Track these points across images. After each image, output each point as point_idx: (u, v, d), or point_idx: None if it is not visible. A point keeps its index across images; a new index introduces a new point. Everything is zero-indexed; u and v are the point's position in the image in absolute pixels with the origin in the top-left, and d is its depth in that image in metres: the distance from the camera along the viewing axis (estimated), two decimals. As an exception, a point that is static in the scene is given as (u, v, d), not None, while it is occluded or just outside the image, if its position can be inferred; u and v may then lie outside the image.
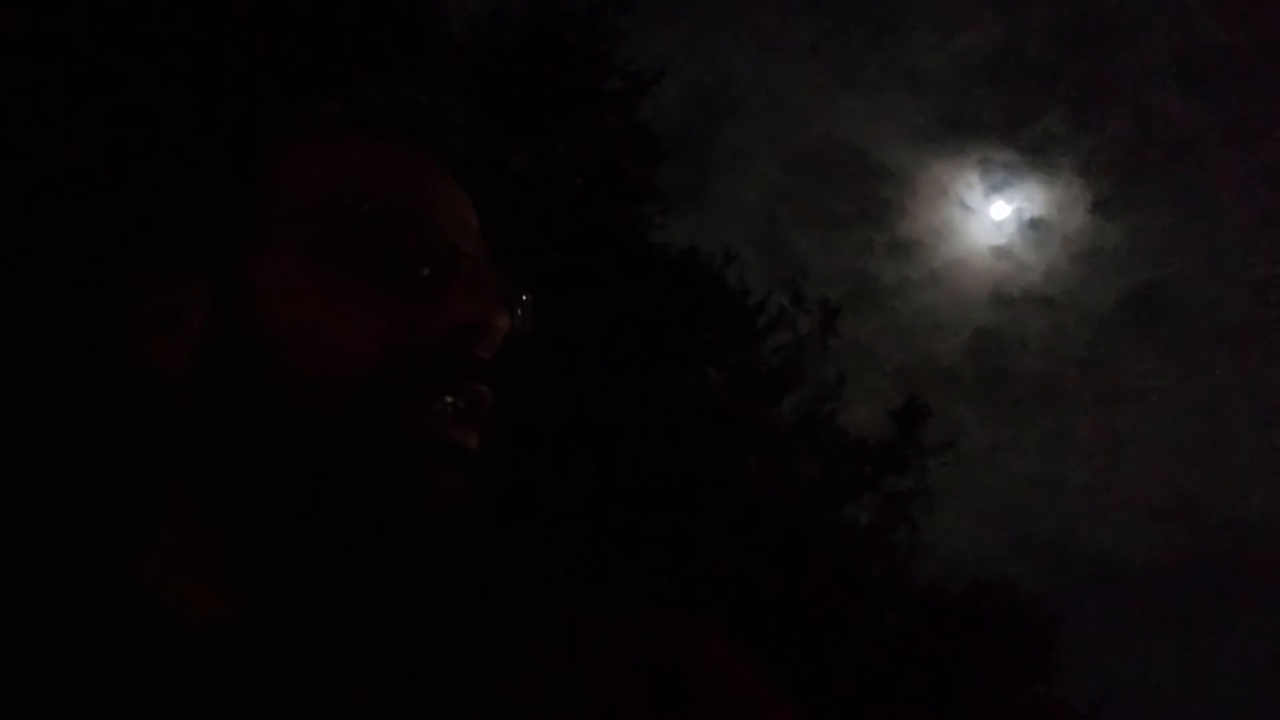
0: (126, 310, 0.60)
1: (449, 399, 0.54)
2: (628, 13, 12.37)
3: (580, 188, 12.31)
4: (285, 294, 0.55)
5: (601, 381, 11.10)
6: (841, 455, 15.20)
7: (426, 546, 0.54)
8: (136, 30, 5.70)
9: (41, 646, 0.53)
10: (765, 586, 12.21)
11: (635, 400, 11.42)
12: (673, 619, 0.61)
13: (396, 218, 0.57)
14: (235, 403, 0.55)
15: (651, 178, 12.63)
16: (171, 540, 0.57)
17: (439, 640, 0.57)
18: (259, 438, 0.54)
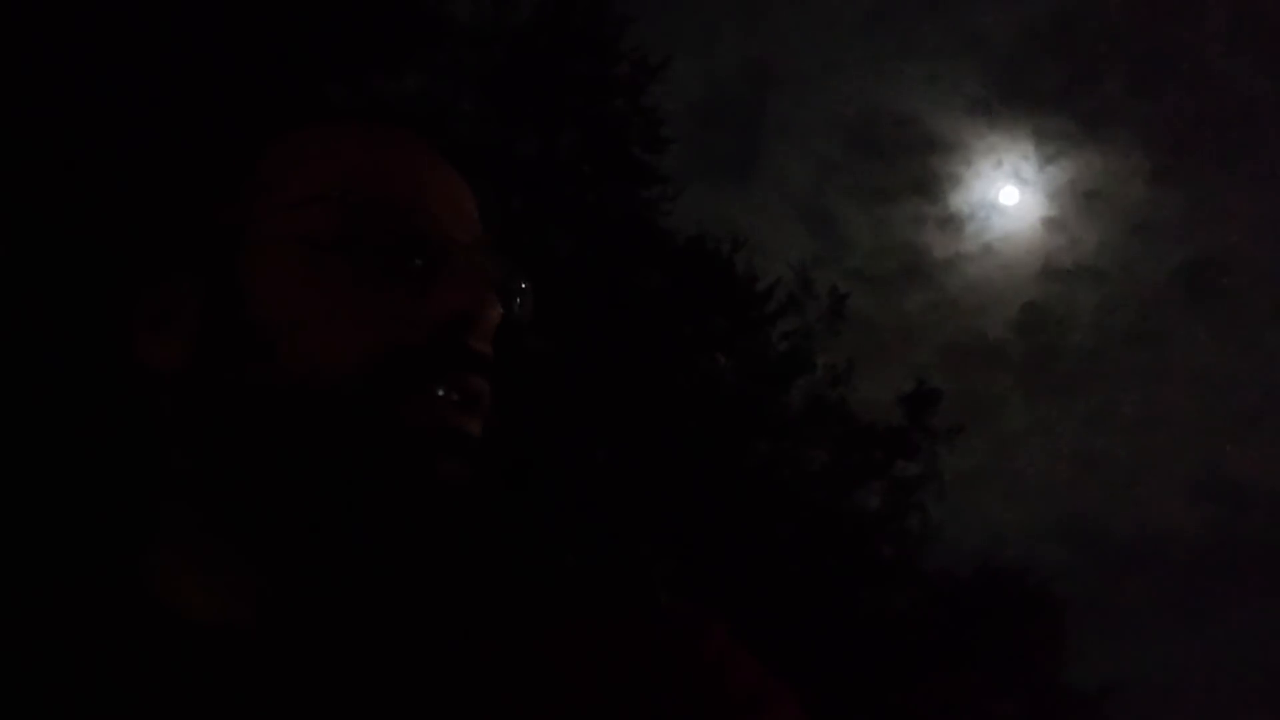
0: (124, 310, 0.59)
1: (443, 392, 0.53)
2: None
3: (588, 174, 12.28)
4: (276, 288, 0.55)
5: (610, 367, 11.10)
6: (851, 440, 15.19)
7: (430, 537, 0.53)
8: (137, 20, 5.69)
9: (45, 646, 0.53)
10: (775, 571, 12.23)
11: (644, 386, 11.42)
12: (676, 610, 0.60)
13: (385, 208, 0.56)
14: (230, 399, 0.55)
15: (659, 163, 12.60)
16: (174, 539, 0.57)
17: (444, 636, 0.57)
18: (255, 434, 0.54)
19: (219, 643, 0.53)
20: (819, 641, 12.26)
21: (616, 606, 0.61)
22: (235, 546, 0.55)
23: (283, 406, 0.53)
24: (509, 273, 0.61)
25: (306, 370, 0.53)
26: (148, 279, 0.60)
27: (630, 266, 11.88)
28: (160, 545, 0.58)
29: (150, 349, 0.58)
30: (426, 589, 0.58)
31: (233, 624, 0.54)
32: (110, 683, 0.51)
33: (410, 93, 9.63)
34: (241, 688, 0.52)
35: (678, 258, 12.64)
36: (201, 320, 0.57)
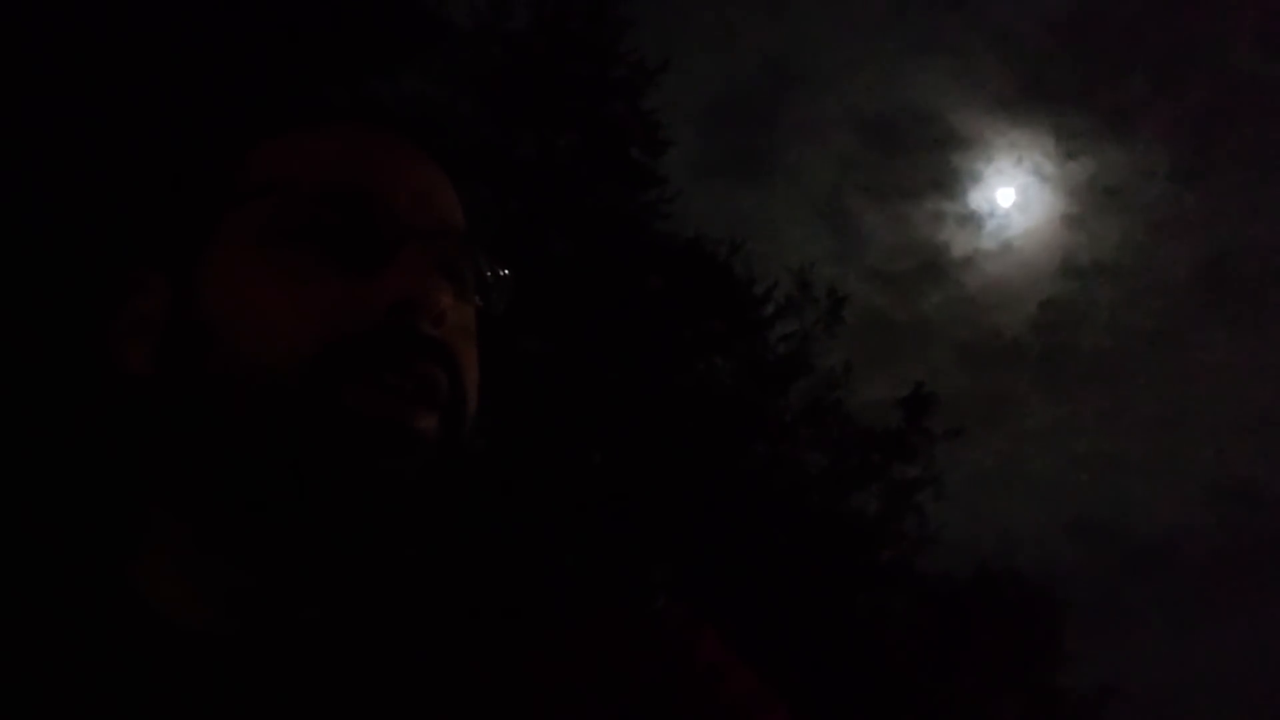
0: (105, 317, 0.59)
1: (393, 379, 0.52)
2: (631, 0, 12.34)
3: (586, 176, 12.29)
4: (228, 281, 0.55)
5: (608, 370, 11.10)
6: (849, 444, 15.19)
7: (376, 531, 0.52)
8: (134, 21, 5.69)
9: (33, 651, 0.52)
10: (773, 574, 12.23)
11: (642, 388, 11.42)
12: (669, 615, 0.60)
13: (336, 195, 0.55)
14: (185, 398, 0.55)
15: (658, 165, 12.61)
16: (162, 543, 0.57)
17: (432, 641, 0.56)
18: (207, 431, 0.53)
19: (204, 648, 0.53)
20: (817, 644, 12.26)
21: (609, 610, 0.60)
22: (215, 549, 0.55)
23: (229, 401, 0.53)
24: (484, 263, 0.59)
25: (252, 363, 0.52)
26: (125, 286, 0.60)
27: (629, 269, 11.89)
28: (149, 550, 0.57)
29: (127, 354, 0.58)
30: (404, 591, 0.57)
31: (218, 629, 0.54)
32: (96, 687, 0.51)
33: (408, 95, 9.63)
34: (224, 694, 0.51)
35: (676, 260, 12.65)
36: (166, 322, 0.57)
